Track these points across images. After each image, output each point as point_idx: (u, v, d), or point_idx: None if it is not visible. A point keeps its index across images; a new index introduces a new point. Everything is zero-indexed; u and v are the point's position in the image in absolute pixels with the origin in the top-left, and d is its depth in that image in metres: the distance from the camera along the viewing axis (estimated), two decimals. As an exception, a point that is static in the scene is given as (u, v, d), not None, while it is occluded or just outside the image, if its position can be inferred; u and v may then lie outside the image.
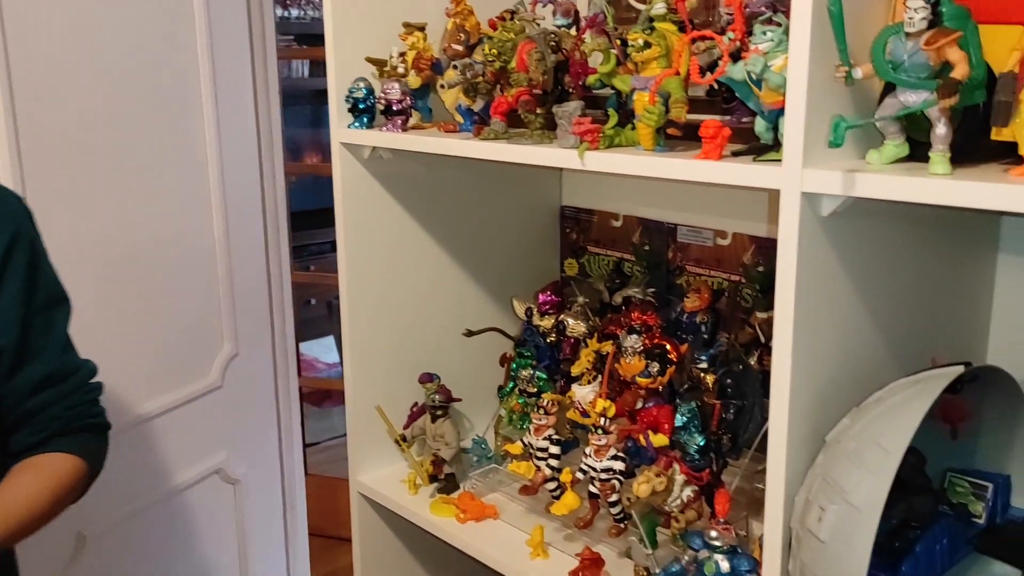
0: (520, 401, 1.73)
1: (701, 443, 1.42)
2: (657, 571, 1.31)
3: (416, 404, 1.81)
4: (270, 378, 2.73)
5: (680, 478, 1.41)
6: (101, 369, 1.40)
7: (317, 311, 5.14)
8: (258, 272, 2.61)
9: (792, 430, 1.10)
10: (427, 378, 1.78)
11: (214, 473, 2.49)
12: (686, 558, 1.32)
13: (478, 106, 1.52)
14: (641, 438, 1.48)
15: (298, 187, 4.18)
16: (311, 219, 3.81)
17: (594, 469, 1.48)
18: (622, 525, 1.51)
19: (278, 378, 2.76)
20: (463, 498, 1.66)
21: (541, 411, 1.56)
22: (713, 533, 1.27)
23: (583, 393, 1.60)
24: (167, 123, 2.22)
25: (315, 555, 3.00)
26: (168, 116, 2.23)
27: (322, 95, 1.69)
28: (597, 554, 1.45)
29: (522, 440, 1.62)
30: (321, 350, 4.78)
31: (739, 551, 1.28)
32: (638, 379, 1.53)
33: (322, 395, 4.42)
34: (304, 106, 4.57)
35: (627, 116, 1.29)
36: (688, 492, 1.41)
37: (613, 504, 1.48)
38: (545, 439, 1.57)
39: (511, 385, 1.76)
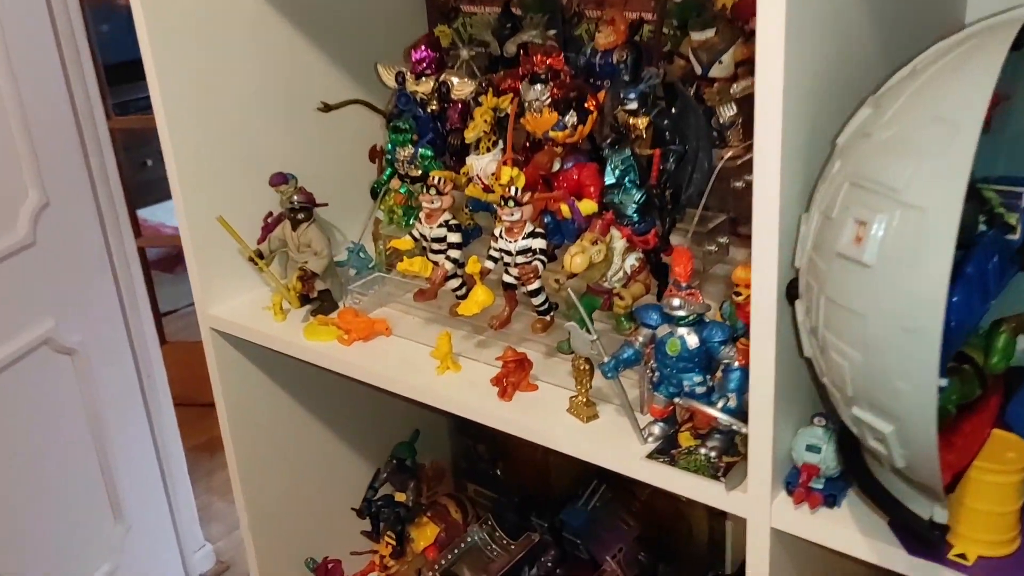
0: (402, 191, 1.38)
1: (640, 199, 1.12)
2: (606, 360, 1.02)
3: (270, 213, 1.44)
4: (97, 234, 2.37)
5: (620, 244, 1.10)
6: None
7: (156, 172, 4.60)
8: (60, 112, 2.24)
9: (787, 131, 0.80)
10: (280, 179, 1.42)
11: (42, 344, 2.18)
12: (640, 339, 1.03)
13: None
14: (563, 208, 1.17)
15: (115, 35, 3.66)
16: (135, 70, 3.28)
17: (508, 252, 1.16)
18: (548, 318, 1.21)
19: (108, 235, 2.38)
20: (344, 316, 1.33)
21: (432, 191, 1.22)
22: (676, 302, 0.99)
23: (483, 164, 1.25)
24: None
25: (188, 425, 2.75)
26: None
27: None
28: (523, 354, 1.15)
29: (411, 234, 1.28)
30: (166, 214, 4.38)
31: (706, 320, 1.00)
32: (552, 134, 1.19)
33: (173, 260, 4.05)
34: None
35: None
36: (632, 261, 1.11)
37: (536, 293, 1.17)
38: (440, 226, 1.24)
39: (388, 172, 1.40)
